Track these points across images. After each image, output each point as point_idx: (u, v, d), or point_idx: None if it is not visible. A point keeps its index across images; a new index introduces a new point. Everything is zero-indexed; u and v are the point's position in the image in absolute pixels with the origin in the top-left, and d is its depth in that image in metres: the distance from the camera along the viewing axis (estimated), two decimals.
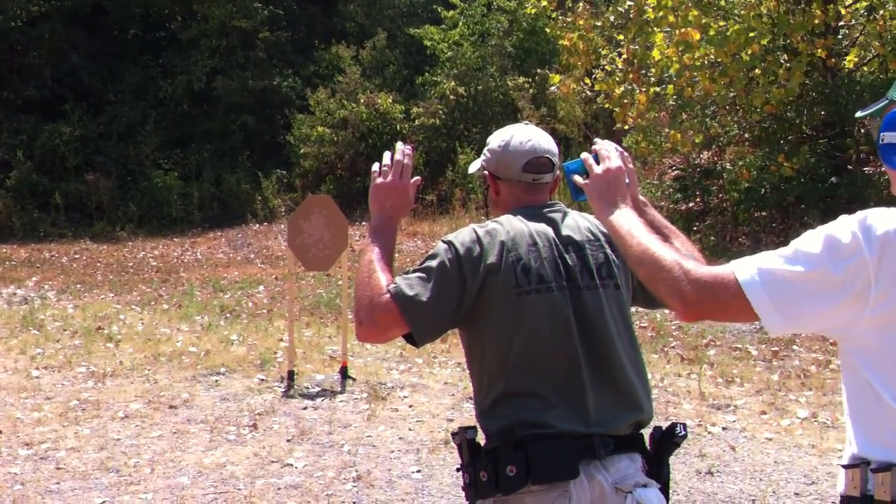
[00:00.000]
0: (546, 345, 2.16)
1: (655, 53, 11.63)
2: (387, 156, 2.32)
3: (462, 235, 2.23)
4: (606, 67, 12.68)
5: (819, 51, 11.39)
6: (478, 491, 2.16)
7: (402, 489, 4.81)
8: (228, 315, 9.58)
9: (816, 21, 11.29)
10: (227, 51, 18.75)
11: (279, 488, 4.85)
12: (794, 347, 7.50)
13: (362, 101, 17.27)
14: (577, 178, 2.10)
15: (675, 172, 13.52)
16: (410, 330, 2.15)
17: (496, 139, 2.37)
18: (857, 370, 1.67)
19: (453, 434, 2.26)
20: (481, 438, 2.23)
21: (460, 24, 17.98)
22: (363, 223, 15.65)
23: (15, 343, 8.27)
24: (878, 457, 1.64)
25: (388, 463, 5.19)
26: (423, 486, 4.83)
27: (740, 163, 12.72)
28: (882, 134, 1.70)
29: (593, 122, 16.07)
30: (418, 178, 2.39)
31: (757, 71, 11.54)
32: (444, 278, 2.16)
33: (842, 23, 12.05)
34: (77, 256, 14.47)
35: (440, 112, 16.97)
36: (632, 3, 12.05)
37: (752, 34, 10.97)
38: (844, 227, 1.62)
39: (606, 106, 13.02)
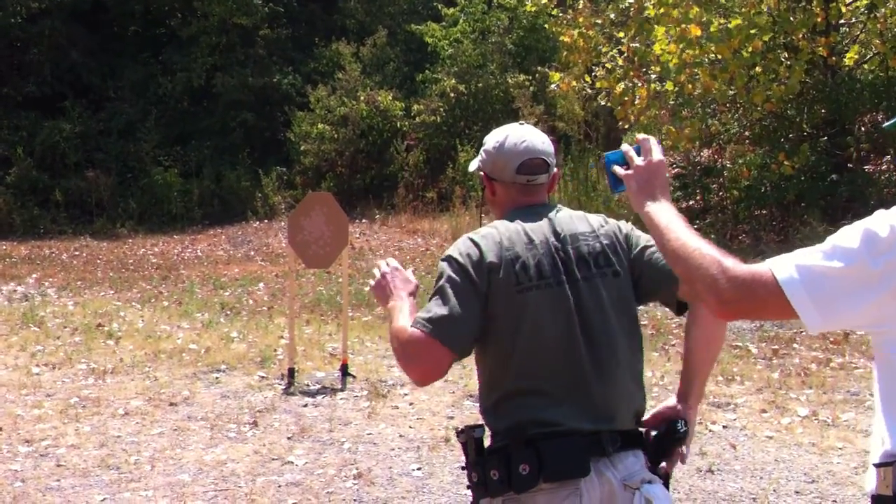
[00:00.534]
0: (549, 341, 2.18)
1: (657, 48, 11.62)
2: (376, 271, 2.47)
3: (458, 246, 2.27)
4: (607, 65, 12.67)
5: (820, 49, 11.39)
6: (488, 489, 2.17)
7: (402, 487, 4.81)
8: (229, 312, 9.58)
9: (818, 20, 11.29)
10: (228, 48, 18.74)
11: (279, 486, 4.85)
12: (795, 346, 7.50)
13: (362, 98, 17.27)
14: (618, 169, 2.06)
15: (676, 170, 13.50)
16: (443, 345, 2.17)
17: (491, 140, 2.38)
18: (895, 366, 1.65)
19: (458, 432, 2.26)
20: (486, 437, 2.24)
21: (461, 21, 17.97)
22: (363, 220, 15.66)
23: (15, 340, 8.27)
24: None
25: (388, 460, 5.19)
26: (423, 484, 4.83)
27: (740, 161, 12.72)
28: None
29: (593, 119, 16.06)
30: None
31: (758, 69, 11.53)
32: (457, 288, 2.19)
33: (842, 21, 12.05)
34: (77, 253, 14.47)
35: (440, 109, 16.97)
36: (632, 1, 12.04)
37: (753, 31, 10.96)
38: (882, 221, 1.61)
39: (606, 104, 13.02)
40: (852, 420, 5.61)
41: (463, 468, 2.30)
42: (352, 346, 7.38)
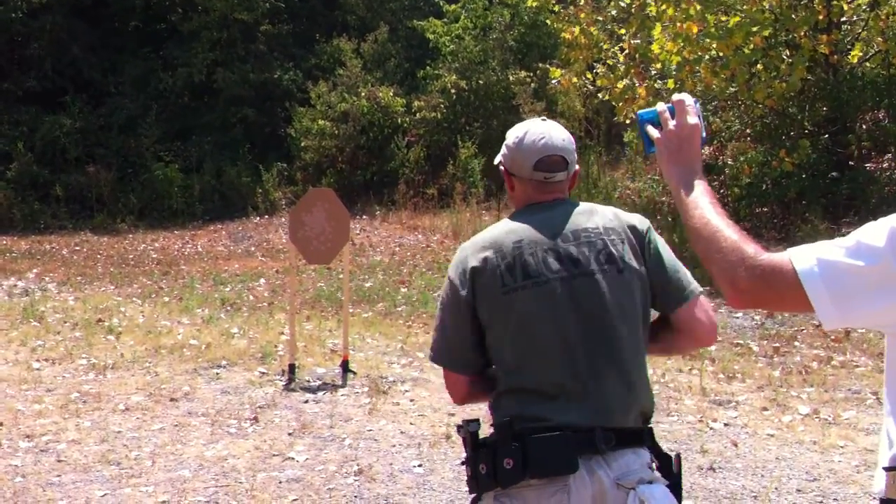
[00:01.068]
0: (539, 340, 2.18)
1: (655, 47, 11.60)
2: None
3: (454, 259, 2.34)
4: (608, 62, 12.66)
5: (822, 46, 11.37)
6: (479, 484, 2.17)
7: (403, 483, 4.80)
8: (229, 308, 9.57)
9: (820, 17, 11.27)
10: (228, 43, 18.72)
11: (280, 482, 4.85)
12: (796, 343, 7.50)
13: (363, 94, 17.25)
14: (651, 130, 1.90)
15: None
16: (451, 370, 2.34)
17: (512, 135, 2.37)
18: None
19: (458, 427, 2.27)
20: (484, 432, 2.24)
21: (462, 17, 17.95)
22: (364, 216, 15.65)
23: (16, 335, 8.27)
24: None
25: (389, 457, 5.19)
26: (424, 481, 4.83)
27: (741, 158, 12.70)
28: None
29: (594, 116, 16.04)
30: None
31: (759, 66, 11.52)
32: (448, 309, 2.30)
33: (844, 18, 12.03)
34: (78, 248, 14.47)
35: (441, 106, 16.95)
36: None
37: (754, 28, 10.94)
38: None
39: (607, 98, 12.99)
40: (853, 418, 5.60)
41: (462, 464, 2.30)
42: (353, 342, 7.38)
